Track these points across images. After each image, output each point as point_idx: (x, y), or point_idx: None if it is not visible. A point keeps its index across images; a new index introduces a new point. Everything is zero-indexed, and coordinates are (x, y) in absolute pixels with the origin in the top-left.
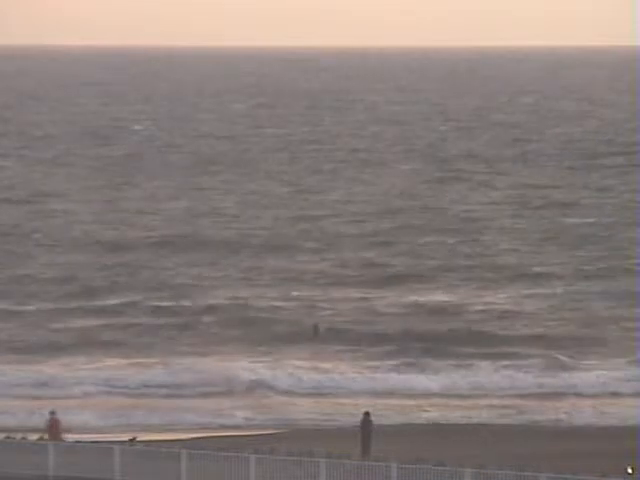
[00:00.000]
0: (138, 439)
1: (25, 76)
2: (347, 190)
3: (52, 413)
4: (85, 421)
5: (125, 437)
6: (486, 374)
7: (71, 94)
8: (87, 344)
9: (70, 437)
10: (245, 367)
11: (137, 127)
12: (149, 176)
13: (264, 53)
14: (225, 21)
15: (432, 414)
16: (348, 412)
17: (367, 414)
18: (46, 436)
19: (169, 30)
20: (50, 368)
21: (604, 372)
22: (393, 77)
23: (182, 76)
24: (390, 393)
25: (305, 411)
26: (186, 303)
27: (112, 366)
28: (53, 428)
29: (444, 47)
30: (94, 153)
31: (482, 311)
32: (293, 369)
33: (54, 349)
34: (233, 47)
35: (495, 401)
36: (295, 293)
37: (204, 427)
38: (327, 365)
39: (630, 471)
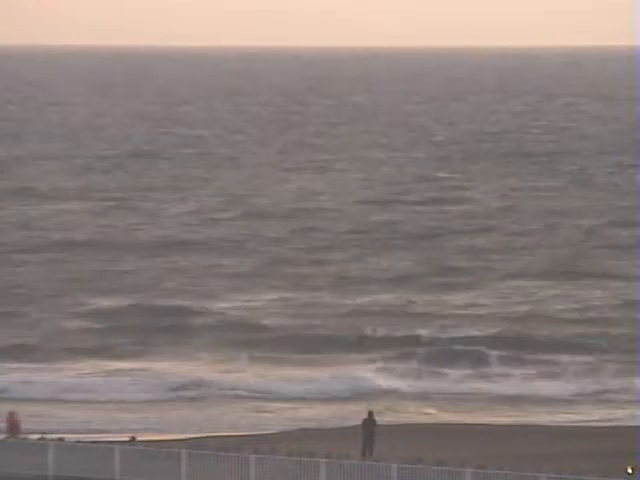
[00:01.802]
0: (138, 439)
1: (21, 75)
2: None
3: (11, 414)
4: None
5: (125, 437)
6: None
7: (62, 94)
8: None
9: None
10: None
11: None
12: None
13: (264, 53)
14: (225, 21)
15: None
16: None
17: (371, 413)
18: (2, 436)
19: (167, 30)
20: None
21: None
22: (392, 78)
23: (175, 76)
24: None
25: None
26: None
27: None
28: (12, 428)
29: (443, 47)
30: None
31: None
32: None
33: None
34: (233, 47)
35: (494, 401)
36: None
37: None
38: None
39: (630, 471)
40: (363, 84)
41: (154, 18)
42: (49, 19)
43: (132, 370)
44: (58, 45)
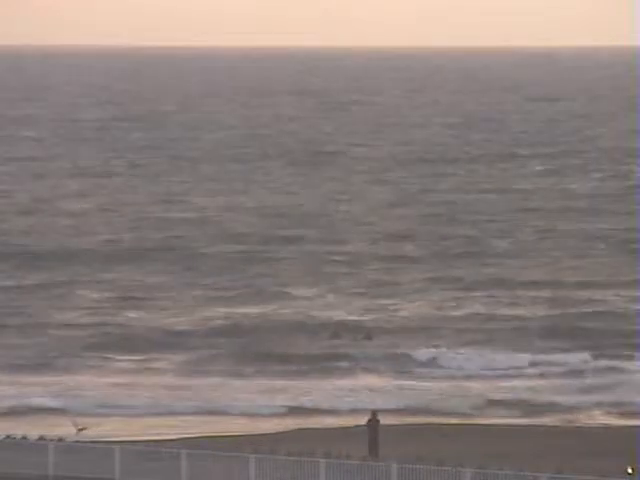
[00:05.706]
0: (139, 439)
1: (19, 75)
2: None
3: None
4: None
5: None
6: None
7: (58, 94)
8: None
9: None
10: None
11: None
12: None
13: (263, 53)
14: (224, 21)
15: None
16: None
17: (374, 413)
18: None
19: (167, 30)
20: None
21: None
22: (393, 78)
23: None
24: None
25: None
26: None
27: None
28: None
29: (443, 48)
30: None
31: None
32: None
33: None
34: (232, 47)
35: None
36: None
37: None
38: None
39: (630, 471)
40: (369, 85)
41: (154, 18)
42: (48, 19)
43: None
44: (57, 45)
